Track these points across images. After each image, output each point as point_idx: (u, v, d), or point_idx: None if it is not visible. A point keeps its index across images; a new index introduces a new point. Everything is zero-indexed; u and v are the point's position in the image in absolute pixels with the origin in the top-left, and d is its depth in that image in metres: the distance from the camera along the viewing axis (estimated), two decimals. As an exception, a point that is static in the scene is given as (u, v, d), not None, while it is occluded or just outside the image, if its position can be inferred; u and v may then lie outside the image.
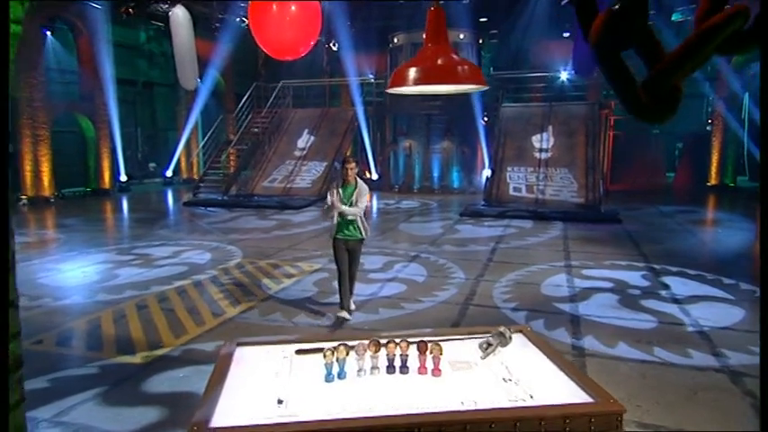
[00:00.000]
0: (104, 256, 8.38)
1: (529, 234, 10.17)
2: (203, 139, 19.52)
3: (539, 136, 15.52)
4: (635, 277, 6.96)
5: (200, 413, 2.05)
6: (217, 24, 19.07)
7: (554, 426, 2.00)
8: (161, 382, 4.04)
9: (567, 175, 14.26)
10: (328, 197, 5.20)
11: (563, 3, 17.14)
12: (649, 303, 5.91)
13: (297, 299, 6.13)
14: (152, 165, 21.58)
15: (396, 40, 18.34)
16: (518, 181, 14.50)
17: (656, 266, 7.47)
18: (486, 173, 15.36)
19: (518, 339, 2.80)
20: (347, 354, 2.41)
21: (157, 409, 3.61)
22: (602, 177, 14.66)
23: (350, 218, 5.16)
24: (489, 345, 2.63)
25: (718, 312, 5.57)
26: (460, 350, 2.71)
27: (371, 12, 20.49)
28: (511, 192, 14.17)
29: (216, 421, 2.02)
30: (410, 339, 2.52)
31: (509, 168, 14.85)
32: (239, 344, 2.75)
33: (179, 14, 14.38)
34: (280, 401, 2.19)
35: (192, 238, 9.97)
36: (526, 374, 2.40)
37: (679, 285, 6.55)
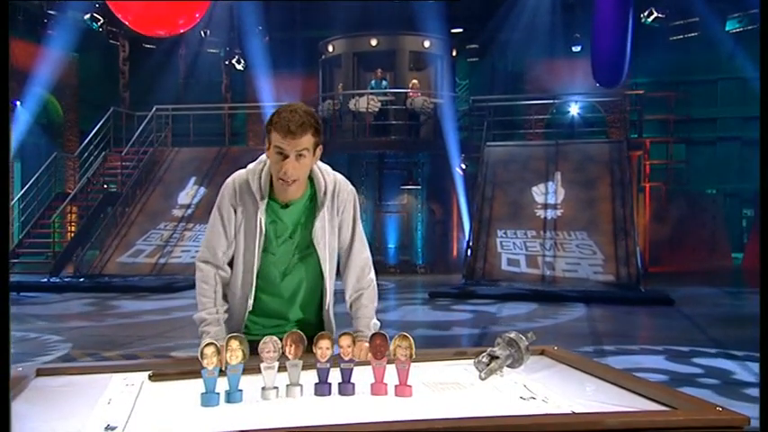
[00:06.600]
0: None
1: (536, 316, 10.10)
2: (20, 191, 18.70)
3: (542, 187, 15.85)
4: (707, 365, 6.88)
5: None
6: (49, 18, 18.95)
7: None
8: None
9: (587, 242, 14.44)
10: (206, 247, 2.70)
11: None
12: (753, 392, 5.77)
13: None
14: None
15: (330, 49, 18.79)
16: (514, 250, 14.56)
17: (736, 353, 7.40)
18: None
19: (538, 362, 2.52)
20: (245, 357, 2.04)
21: None
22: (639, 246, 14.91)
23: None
24: (493, 358, 2.32)
25: None
26: (443, 372, 2.39)
27: (294, 17, 21.14)
28: (504, 266, 14.15)
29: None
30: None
31: (500, 233, 14.95)
32: (41, 372, 2.33)
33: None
34: (110, 428, 1.79)
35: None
36: (559, 392, 2.09)
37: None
